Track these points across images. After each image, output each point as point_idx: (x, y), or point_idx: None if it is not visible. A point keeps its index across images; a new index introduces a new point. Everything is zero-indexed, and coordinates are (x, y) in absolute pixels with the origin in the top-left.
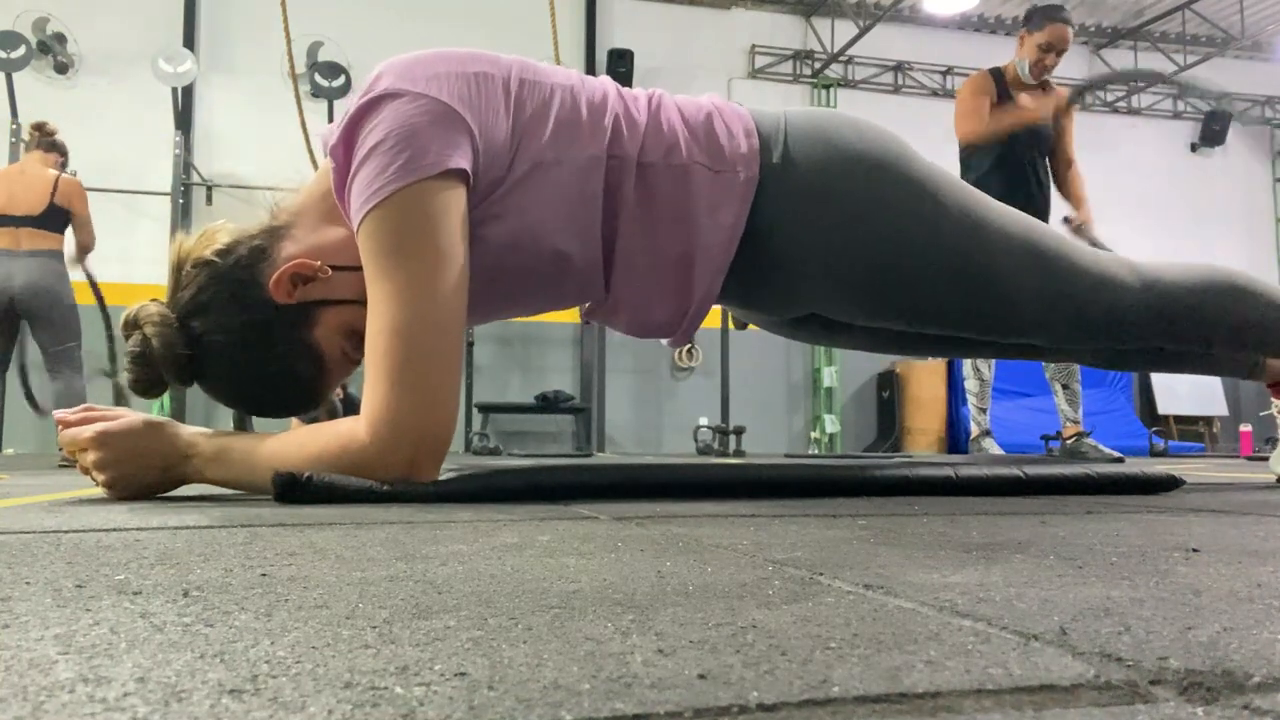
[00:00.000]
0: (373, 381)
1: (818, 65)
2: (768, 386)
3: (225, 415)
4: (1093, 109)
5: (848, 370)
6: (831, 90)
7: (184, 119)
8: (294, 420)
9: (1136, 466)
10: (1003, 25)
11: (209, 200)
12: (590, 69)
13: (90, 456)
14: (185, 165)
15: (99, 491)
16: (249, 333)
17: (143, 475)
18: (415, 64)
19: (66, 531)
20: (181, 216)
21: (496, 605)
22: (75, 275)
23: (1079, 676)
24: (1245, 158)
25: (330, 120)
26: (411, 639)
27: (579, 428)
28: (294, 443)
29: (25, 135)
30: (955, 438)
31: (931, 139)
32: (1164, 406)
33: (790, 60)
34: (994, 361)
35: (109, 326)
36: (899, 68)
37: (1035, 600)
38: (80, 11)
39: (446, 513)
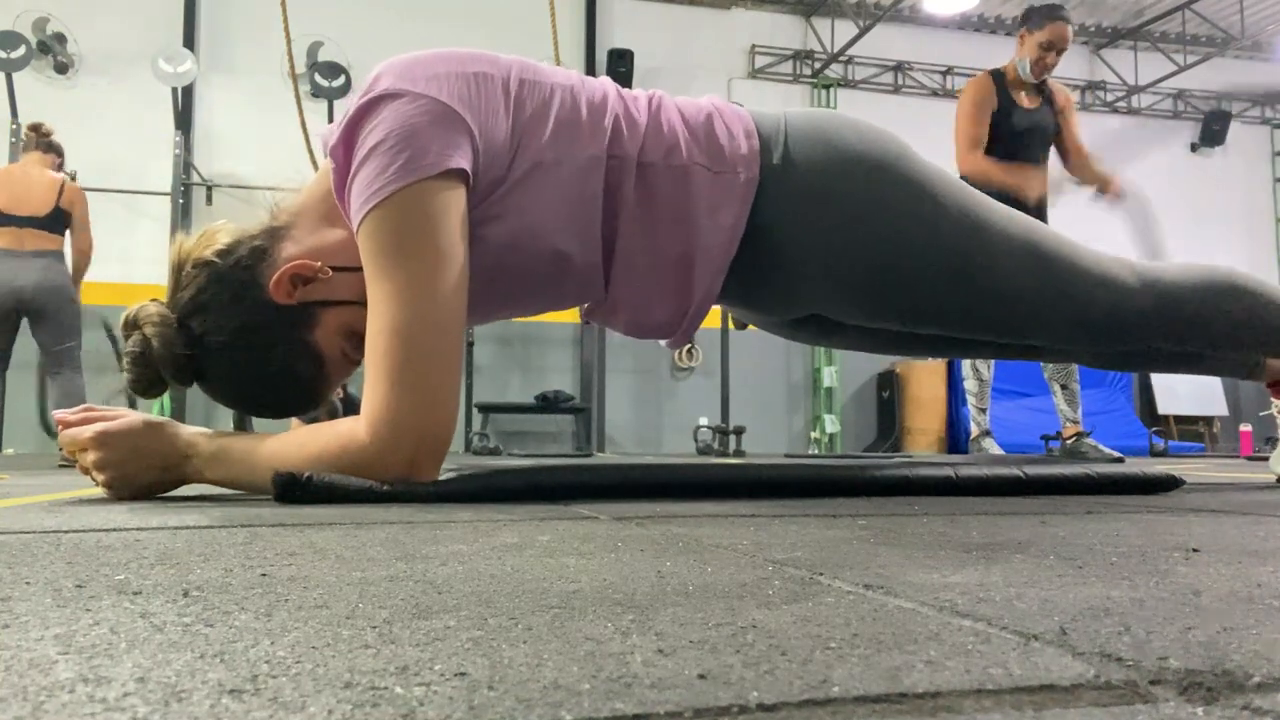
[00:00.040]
0: (373, 381)
1: (818, 65)
2: (768, 386)
3: (225, 415)
4: (1092, 108)
5: (848, 370)
6: (831, 90)
7: (184, 119)
8: (294, 420)
9: (1136, 466)
10: (1003, 25)
11: (209, 200)
12: (590, 69)
13: (90, 456)
14: (185, 165)
15: (99, 491)
16: (249, 333)
17: (142, 475)
18: (415, 64)
19: (66, 531)
20: (181, 216)
21: (496, 605)
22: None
23: (1079, 676)
24: (1245, 158)
25: (330, 120)
26: (411, 639)
27: (579, 428)
28: (294, 443)
29: (22, 136)
30: (955, 438)
31: (931, 139)
32: (1164, 406)
33: (790, 60)
34: (993, 362)
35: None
36: (899, 68)
37: (1035, 600)
38: (80, 11)
39: (446, 513)
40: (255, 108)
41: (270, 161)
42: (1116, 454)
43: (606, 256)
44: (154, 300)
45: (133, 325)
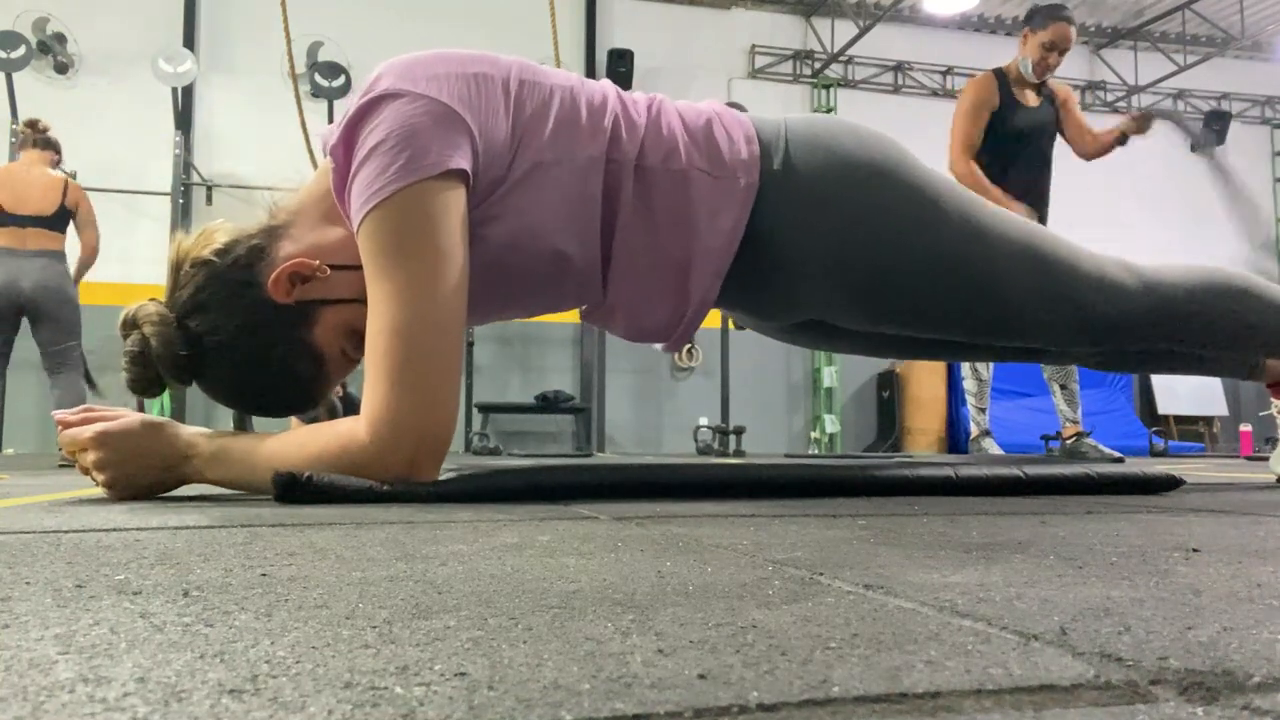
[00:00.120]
0: (373, 381)
1: (818, 65)
2: (768, 386)
3: (225, 415)
4: (1093, 108)
5: (848, 370)
6: (831, 90)
7: (184, 119)
8: (294, 420)
9: (1136, 466)
10: (1003, 25)
11: (209, 200)
12: (590, 69)
13: (90, 456)
14: (185, 165)
15: (99, 491)
16: (247, 332)
17: (143, 475)
18: (415, 64)
19: (66, 531)
20: (181, 216)
21: (496, 605)
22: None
23: (1079, 676)
24: (1245, 158)
25: (330, 120)
26: (411, 639)
27: (579, 428)
28: (294, 443)
29: (21, 132)
30: (955, 438)
31: (931, 139)
32: (1164, 406)
33: (790, 60)
34: (992, 362)
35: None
36: (899, 68)
37: (1035, 600)
38: (80, 11)
39: (446, 513)
40: (255, 108)
41: (270, 161)
42: (1116, 454)
43: (605, 258)
44: (152, 300)
45: (131, 325)
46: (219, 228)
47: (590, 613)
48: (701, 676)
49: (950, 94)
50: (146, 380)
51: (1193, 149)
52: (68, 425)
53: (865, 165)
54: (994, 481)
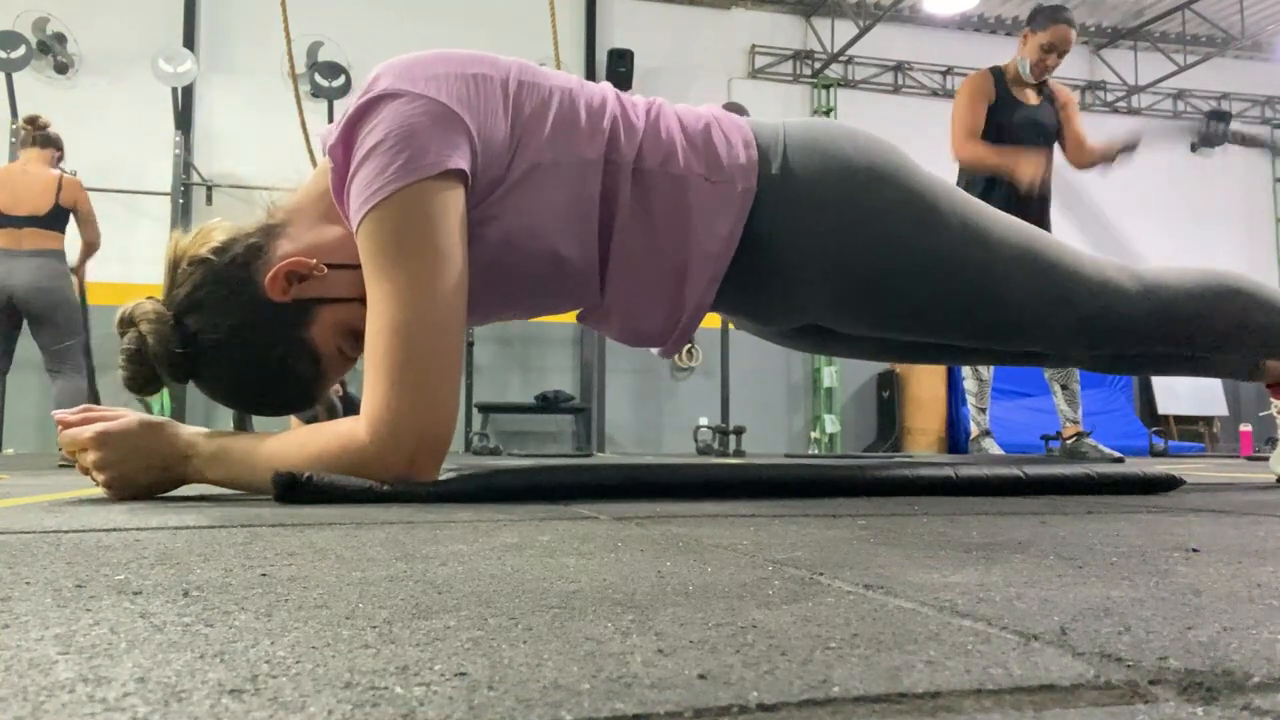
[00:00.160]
0: (372, 381)
1: (818, 65)
2: (768, 386)
3: (225, 415)
4: (1092, 108)
5: (848, 370)
6: (831, 90)
7: (184, 119)
8: (293, 419)
9: (1136, 466)
10: (1003, 25)
11: (209, 200)
12: (590, 69)
13: (90, 456)
14: (185, 165)
15: (99, 491)
16: (244, 330)
17: (142, 475)
18: (414, 65)
19: (66, 531)
20: (181, 216)
21: (496, 605)
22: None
23: (1079, 676)
24: (1245, 158)
25: (330, 120)
26: (411, 639)
27: (579, 428)
28: (294, 443)
29: (20, 129)
30: (955, 438)
31: (931, 139)
32: (1164, 406)
33: (790, 60)
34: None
35: (88, 329)
36: (899, 68)
37: (1035, 600)
38: (80, 11)
39: (446, 513)
40: (255, 108)
41: (270, 161)
42: (1116, 454)
43: (603, 260)
44: (150, 298)
45: (128, 322)
46: (217, 226)
47: (590, 613)
48: (701, 676)
49: (950, 94)
50: (143, 378)
51: (1193, 149)
52: (68, 425)
53: (863, 170)
54: (994, 481)
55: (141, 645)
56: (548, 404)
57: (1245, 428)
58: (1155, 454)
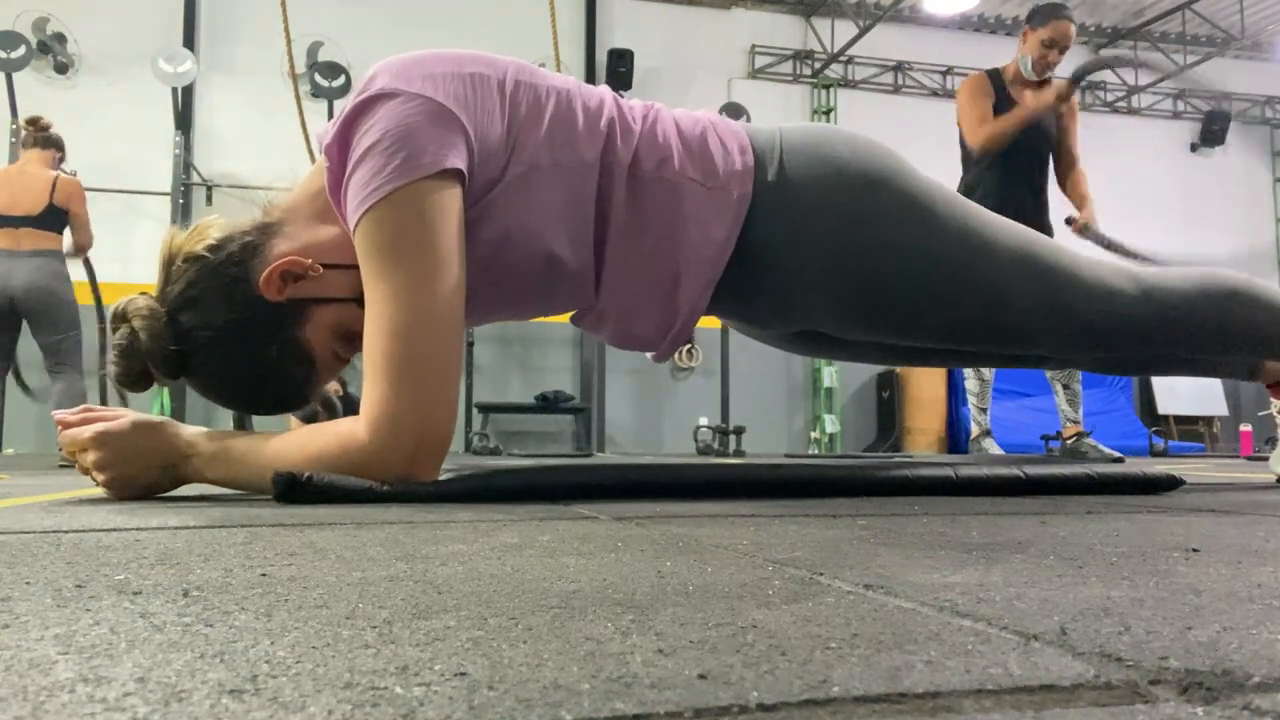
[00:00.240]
0: (372, 381)
1: (818, 65)
2: (768, 386)
3: (225, 415)
4: (1093, 108)
5: (848, 370)
6: (831, 90)
7: (184, 119)
8: (292, 419)
9: (1136, 466)
10: (1003, 25)
11: (209, 200)
12: (590, 69)
13: (90, 457)
14: (185, 165)
15: (99, 491)
16: (238, 329)
17: (142, 475)
18: (411, 64)
19: (66, 531)
20: (181, 216)
21: (496, 605)
22: (76, 273)
23: (1079, 676)
24: (1245, 158)
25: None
26: (411, 639)
27: (579, 428)
28: (294, 443)
29: (21, 130)
30: (955, 438)
31: (931, 139)
32: (1164, 406)
33: (790, 60)
34: None
35: (104, 325)
36: (899, 68)
37: (1035, 600)
38: (80, 11)
39: (446, 513)
40: (255, 108)
41: (270, 161)
42: (1116, 454)
43: (598, 263)
44: (143, 294)
45: (121, 318)
46: (212, 223)
47: (590, 613)
48: (701, 676)
49: (950, 94)
50: (134, 374)
51: (1193, 149)
52: (68, 425)
53: (860, 175)
54: (994, 481)
55: (141, 645)
56: (548, 404)
57: (1245, 428)
58: (1155, 454)
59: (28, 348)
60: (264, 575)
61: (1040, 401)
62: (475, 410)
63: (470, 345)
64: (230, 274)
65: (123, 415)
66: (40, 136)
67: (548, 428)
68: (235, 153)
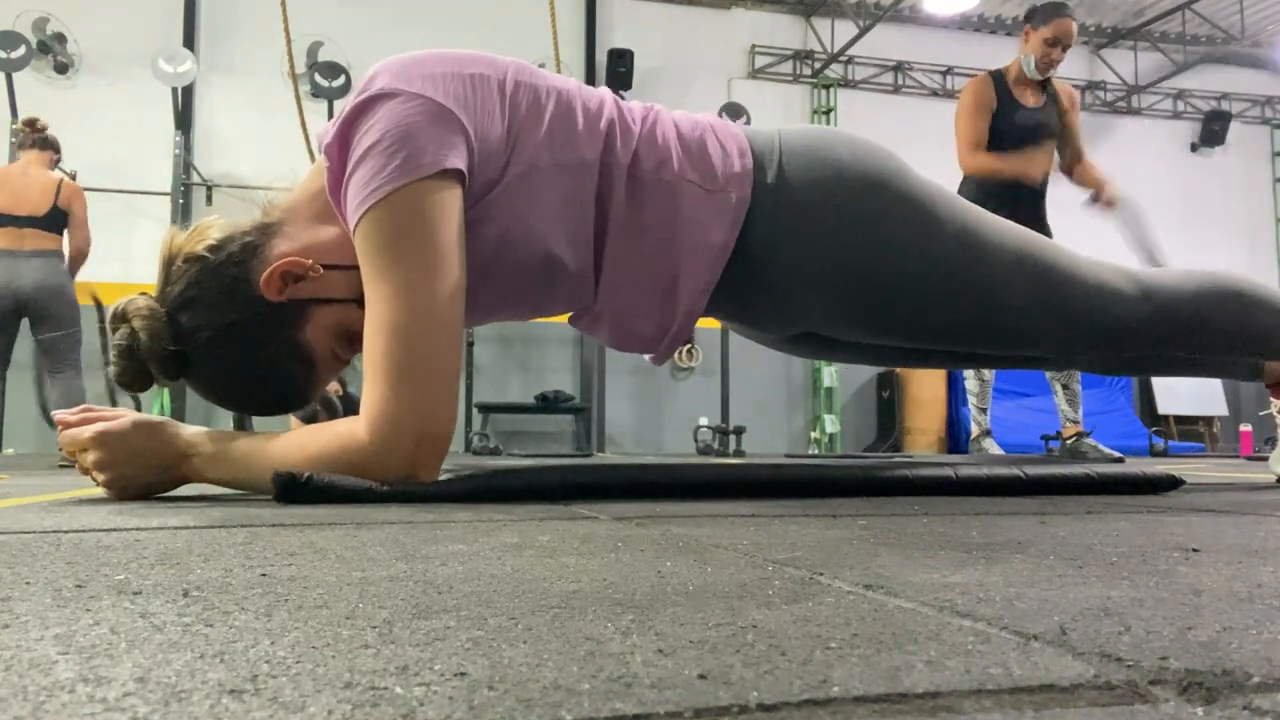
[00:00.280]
0: (372, 381)
1: (818, 65)
2: (768, 386)
3: (225, 415)
4: (1093, 109)
5: (848, 370)
6: (831, 90)
7: (184, 119)
8: (292, 419)
9: (1136, 466)
10: (1003, 25)
11: (209, 200)
12: (590, 69)
13: (90, 457)
14: (185, 165)
15: (99, 491)
16: (238, 329)
17: (143, 475)
18: (411, 64)
19: (66, 531)
20: (181, 216)
21: (496, 605)
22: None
23: (1079, 676)
24: (1245, 158)
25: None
26: (411, 639)
27: (579, 428)
28: (294, 443)
29: (19, 131)
30: (955, 438)
31: (931, 139)
32: (1164, 406)
33: (790, 60)
34: None
35: (105, 333)
36: (899, 68)
37: (1035, 600)
38: (80, 11)
39: (446, 513)
40: (255, 108)
41: (270, 161)
42: (1116, 454)
43: (596, 263)
44: (143, 294)
45: (121, 318)
46: (213, 224)
47: (590, 613)
48: (701, 676)
49: (950, 94)
50: (134, 374)
51: (1193, 149)
52: (68, 425)
53: (860, 177)
54: (994, 481)
55: (141, 645)
56: (548, 404)
57: (1245, 428)
58: (1155, 454)
59: (23, 350)
60: (264, 575)
61: (1040, 401)
62: (475, 410)
63: (470, 345)
64: (230, 274)
65: (123, 415)
66: (38, 138)
67: (548, 428)
68: (235, 153)
